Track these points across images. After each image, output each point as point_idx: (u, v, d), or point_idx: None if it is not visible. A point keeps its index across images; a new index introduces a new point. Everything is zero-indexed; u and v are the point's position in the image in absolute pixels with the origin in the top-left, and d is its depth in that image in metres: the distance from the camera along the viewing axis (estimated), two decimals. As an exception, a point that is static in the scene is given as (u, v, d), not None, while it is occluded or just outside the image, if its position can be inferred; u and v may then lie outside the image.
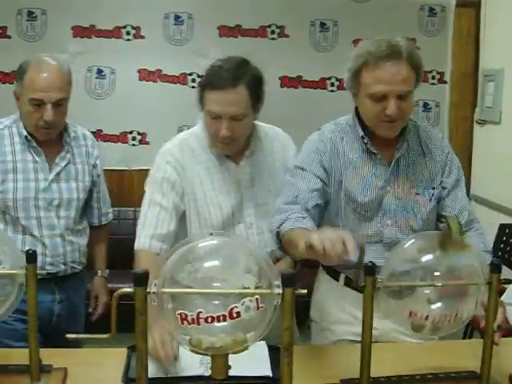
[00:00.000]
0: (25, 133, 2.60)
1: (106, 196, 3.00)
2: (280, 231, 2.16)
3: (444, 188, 2.39)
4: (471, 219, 2.39)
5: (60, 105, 2.59)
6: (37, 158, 2.62)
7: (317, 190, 2.28)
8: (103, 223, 3.01)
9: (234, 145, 2.36)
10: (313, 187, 2.27)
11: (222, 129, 2.27)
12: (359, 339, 1.91)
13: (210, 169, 2.40)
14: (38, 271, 1.82)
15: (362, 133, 2.32)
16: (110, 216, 3.05)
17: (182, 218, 2.42)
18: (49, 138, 2.64)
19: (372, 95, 2.19)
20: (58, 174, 2.66)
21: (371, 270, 1.77)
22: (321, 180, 2.30)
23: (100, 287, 2.95)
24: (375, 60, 2.16)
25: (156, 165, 2.43)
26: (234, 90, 2.24)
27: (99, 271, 2.97)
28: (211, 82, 2.28)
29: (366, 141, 2.32)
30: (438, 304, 1.81)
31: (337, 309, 2.42)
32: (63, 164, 2.68)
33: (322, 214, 2.32)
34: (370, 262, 1.79)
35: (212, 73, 2.30)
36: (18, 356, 1.96)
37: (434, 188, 2.38)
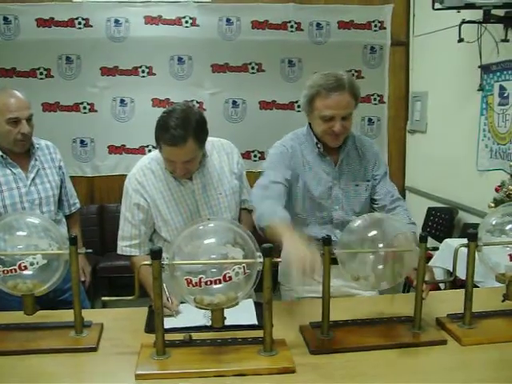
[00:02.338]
0: (0, 153, 2.54)
1: (71, 190, 2.91)
2: (262, 227, 2.12)
3: (375, 179, 2.42)
4: (396, 198, 2.41)
5: (30, 120, 2.54)
6: (14, 171, 2.56)
7: (284, 181, 2.29)
8: (73, 211, 2.92)
9: (189, 174, 2.31)
10: (280, 179, 2.28)
11: (176, 170, 2.23)
12: (317, 295, 1.93)
13: (169, 184, 2.33)
14: (78, 251, 1.84)
15: (316, 140, 2.34)
16: (78, 205, 2.95)
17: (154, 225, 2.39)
18: (24, 150, 2.58)
19: (322, 117, 2.22)
20: (33, 179, 2.60)
21: (328, 241, 1.78)
22: (285, 175, 2.31)
23: (83, 262, 2.86)
24: (325, 91, 2.19)
25: (125, 189, 2.37)
26: (185, 145, 2.12)
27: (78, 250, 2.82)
28: (163, 138, 2.13)
29: (319, 146, 2.34)
30: (381, 266, 1.82)
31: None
32: (35, 171, 2.62)
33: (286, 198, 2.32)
34: (327, 235, 1.81)
35: (163, 129, 2.13)
36: (64, 316, 1.97)
37: (368, 180, 2.41)
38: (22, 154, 2.60)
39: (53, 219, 2.61)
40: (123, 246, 2.38)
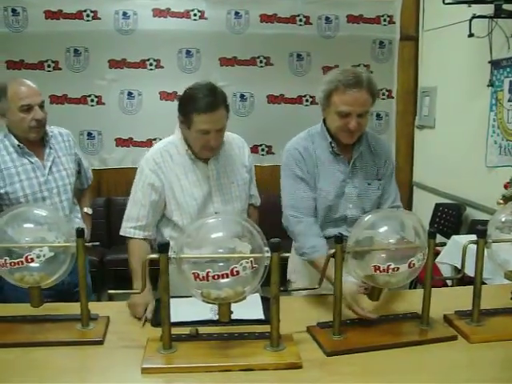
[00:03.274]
0: (17, 142, 2.54)
1: (87, 168, 2.97)
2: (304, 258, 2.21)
3: (382, 179, 2.40)
4: (396, 205, 2.40)
5: (42, 106, 2.56)
6: (31, 160, 2.56)
7: (311, 195, 2.29)
8: (87, 185, 2.99)
9: (218, 149, 2.35)
10: (308, 194, 2.29)
11: (211, 140, 2.25)
12: (325, 292, 1.92)
13: (185, 168, 2.36)
14: (85, 244, 1.84)
15: (330, 139, 2.31)
16: (90, 181, 3.01)
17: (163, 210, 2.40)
18: (39, 137, 2.59)
19: (339, 113, 2.19)
20: (50, 167, 2.61)
21: (339, 239, 1.77)
22: (309, 183, 2.30)
23: (86, 220, 2.88)
24: (343, 87, 2.15)
25: (140, 169, 2.38)
26: (217, 111, 2.21)
27: (85, 208, 2.92)
28: (197, 107, 2.19)
29: (333, 145, 2.31)
30: (392, 262, 1.79)
31: (311, 271, 2.37)
32: (51, 159, 2.62)
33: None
34: (339, 233, 1.80)
35: (194, 100, 2.21)
36: (71, 309, 1.98)
37: (379, 179, 2.38)
38: (37, 142, 2.61)
39: (71, 207, 2.67)
40: (127, 227, 2.37)
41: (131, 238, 2.36)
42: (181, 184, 2.35)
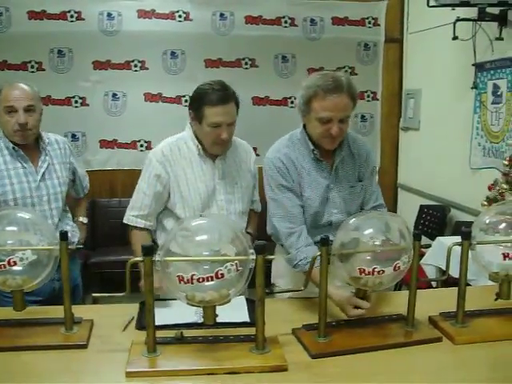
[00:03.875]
0: (11, 145, 2.52)
1: (83, 177, 2.96)
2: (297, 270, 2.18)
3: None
4: (379, 204, 2.38)
5: (29, 110, 2.50)
6: (25, 165, 2.54)
7: (299, 203, 2.26)
8: (83, 195, 3.02)
9: (228, 144, 2.41)
10: (295, 202, 2.25)
11: (223, 134, 2.30)
12: (312, 296, 1.91)
13: (192, 163, 2.41)
14: (69, 246, 1.82)
15: (312, 146, 2.26)
16: (86, 190, 3.02)
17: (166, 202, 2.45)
18: (25, 142, 2.54)
19: (320, 119, 2.14)
20: (43, 174, 2.58)
21: (325, 241, 1.77)
22: (295, 191, 2.26)
23: (81, 229, 2.90)
24: (323, 92, 2.10)
25: (149, 160, 2.45)
26: (229, 104, 2.30)
27: (80, 217, 2.95)
28: (209, 100, 2.28)
29: (315, 152, 2.26)
30: (377, 265, 1.78)
31: (296, 274, 2.29)
32: (45, 165, 2.60)
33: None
34: (325, 235, 1.79)
35: (206, 95, 2.30)
36: (54, 312, 1.95)
37: (361, 180, 2.35)
38: (32, 148, 2.58)
39: (60, 216, 2.64)
40: (130, 216, 2.46)
41: (133, 227, 2.45)
42: (187, 177, 2.40)
